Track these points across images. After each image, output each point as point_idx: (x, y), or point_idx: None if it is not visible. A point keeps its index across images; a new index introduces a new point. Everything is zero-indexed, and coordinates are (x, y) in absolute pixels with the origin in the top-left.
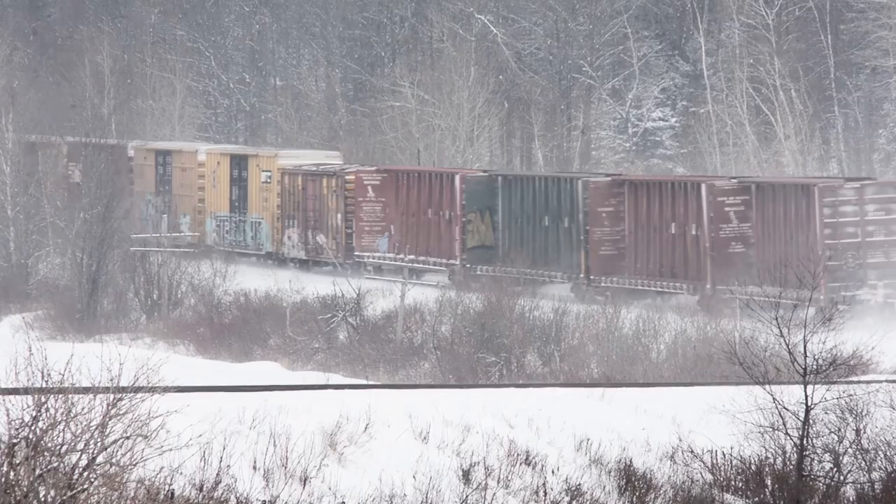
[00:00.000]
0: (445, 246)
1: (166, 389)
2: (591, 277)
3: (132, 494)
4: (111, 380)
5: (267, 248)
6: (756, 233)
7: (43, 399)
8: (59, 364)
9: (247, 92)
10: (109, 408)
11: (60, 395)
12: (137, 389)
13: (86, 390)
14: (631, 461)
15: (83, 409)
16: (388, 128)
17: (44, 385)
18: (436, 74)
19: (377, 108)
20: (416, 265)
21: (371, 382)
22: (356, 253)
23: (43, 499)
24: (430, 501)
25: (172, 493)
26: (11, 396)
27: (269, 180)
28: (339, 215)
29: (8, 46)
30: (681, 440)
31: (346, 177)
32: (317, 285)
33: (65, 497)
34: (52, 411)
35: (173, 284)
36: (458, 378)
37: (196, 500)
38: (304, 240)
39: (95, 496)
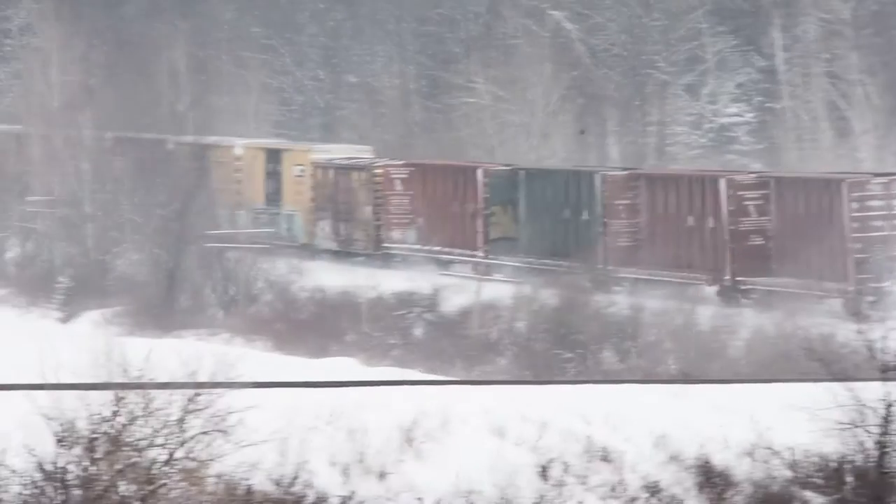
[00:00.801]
0: (469, 238)
1: (244, 385)
2: (609, 268)
3: (211, 489)
4: (189, 375)
5: (300, 239)
6: (775, 226)
7: (122, 394)
8: (137, 360)
9: (321, 89)
10: (188, 403)
11: (139, 391)
12: (215, 385)
13: (164, 386)
14: (709, 458)
15: (162, 404)
16: (462, 124)
17: (123, 381)
18: (510, 71)
19: (451, 105)
20: (441, 256)
21: (447, 378)
22: (384, 244)
23: (123, 494)
24: (507, 497)
25: (250, 488)
26: (91, 392)
27: (302, 174)
28: (368, 208)
29: (85, 44)
30: (759, 437)
31: (375, 171)
32: (392, 281)
33: (145, 492)
34: (131, 407)
35: (250, 280)
36: (534, 374)
37: (274, 496)
38: (335, 231)
39: (175, 491)
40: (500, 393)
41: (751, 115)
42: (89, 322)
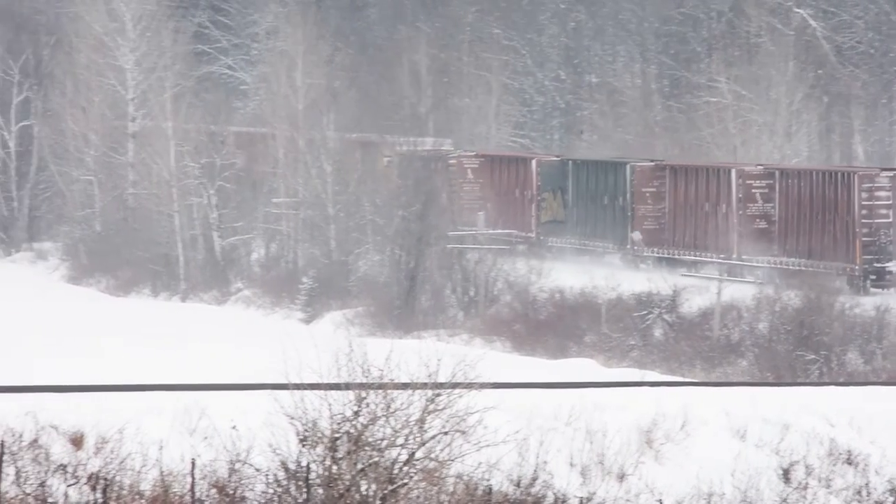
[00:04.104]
0: (526, 221)
1: (483, 386)
2: (636, 248)
3: (451, 489)
4: (429, 376)
5: None
6: (779, 212)
7: (363, 395)
8: (378, 360)
9: (562, 89)
10: (428, 403)
11: (380, 391)
12: (455, 385)
13: (405, 386)
14: None
15: (402, 404)
16: (704, 124)
17: (364, 381)
18: (753, 69)
19: (693, 104)
20: (502, 237)
21: (687, 380)
22: (458, 227)
23: (364, 493)
24: (749, 500)
25: (490, 489)
26: (333, 392)
27: (390, 164)
28: (443, 194)
29: (330, 47)
30: None
31: (450, 161)
32: (632, 283)
33: (385, 491)
34: (372, 407)
35: (489, 281)
36: (776, 376)
37: (513, 496)
38: None
39: (415, 491)
40: (740, 394)
41: None
42: (331, 322)
